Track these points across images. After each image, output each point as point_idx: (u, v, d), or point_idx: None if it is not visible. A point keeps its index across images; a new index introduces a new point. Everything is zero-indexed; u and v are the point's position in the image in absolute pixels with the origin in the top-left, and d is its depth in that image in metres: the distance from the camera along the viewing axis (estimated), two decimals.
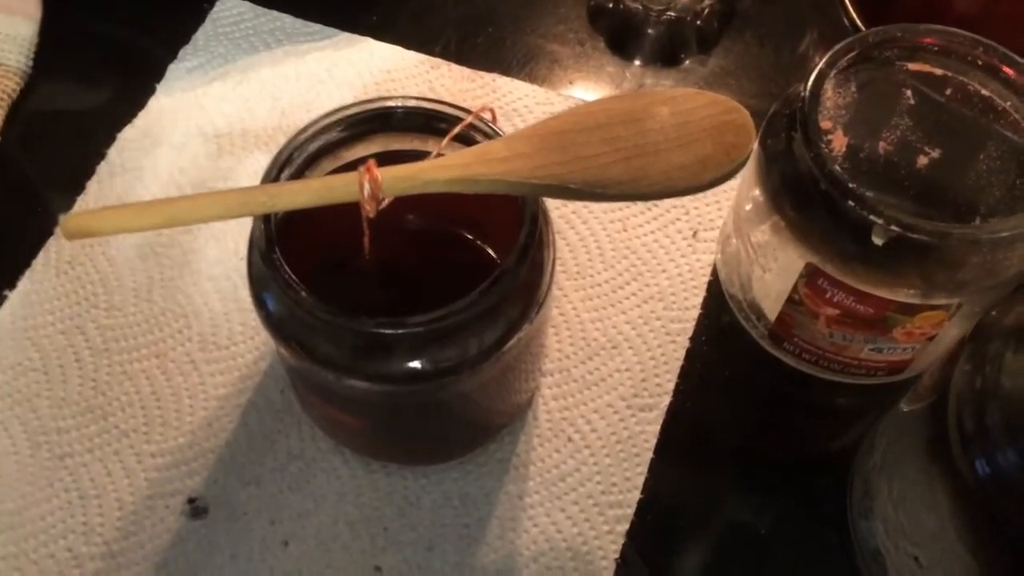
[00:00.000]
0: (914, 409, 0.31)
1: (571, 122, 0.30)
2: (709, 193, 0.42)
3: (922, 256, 0.30)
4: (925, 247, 0.30)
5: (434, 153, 0.31)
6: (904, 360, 0.35)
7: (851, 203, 0.30)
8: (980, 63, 0.33)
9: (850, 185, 0.30)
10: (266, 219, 0.29)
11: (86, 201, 0.41)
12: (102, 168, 0.42)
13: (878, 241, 0.30)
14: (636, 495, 0.35)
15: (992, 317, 0.27)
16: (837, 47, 0.33)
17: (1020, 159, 0.32)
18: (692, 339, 0.39)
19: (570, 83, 0.46)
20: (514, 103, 0.44)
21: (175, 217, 0.27)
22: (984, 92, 0.33)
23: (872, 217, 0.30)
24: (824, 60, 0.32)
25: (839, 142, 0.34)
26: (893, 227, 0.30)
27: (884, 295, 0.31)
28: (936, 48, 0.34)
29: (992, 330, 0.26)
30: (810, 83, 0.32)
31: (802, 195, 0.32)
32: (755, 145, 0.34)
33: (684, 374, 0.38)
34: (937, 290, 0.31)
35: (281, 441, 0.36)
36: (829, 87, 0.34)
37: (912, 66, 0.34)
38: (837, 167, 0.31)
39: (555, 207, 0.41)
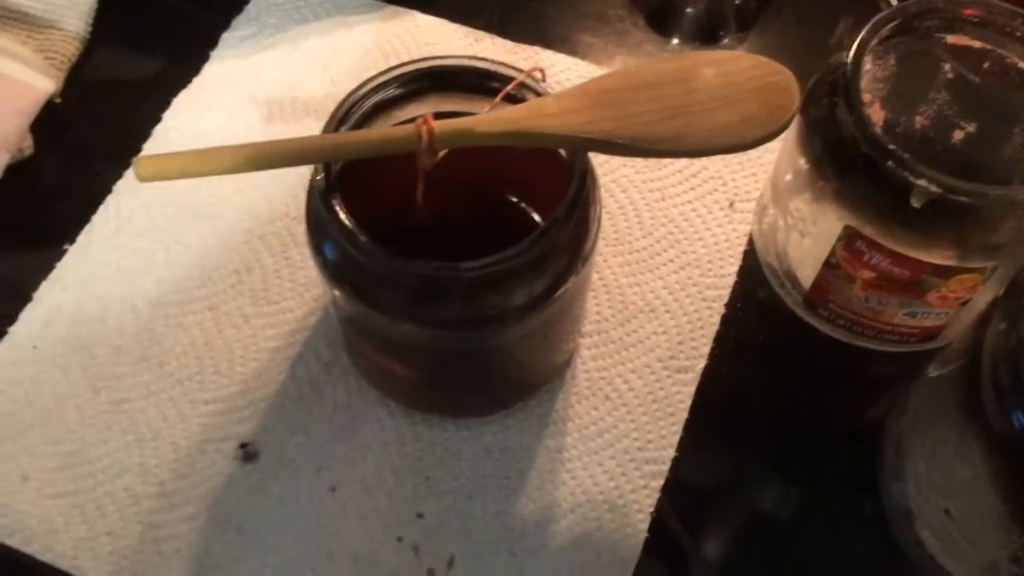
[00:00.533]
0: (944, 373, 0.32)
1: (619, 81, 0.31)
2: (746, 164, 0.43)
3: (959, 218, 0.31)
4: (962, 209, 0.31)
5: (487, 109, 0.32)
6: (937, 326, 0.36)
7: (891, 164, 0.31)
8: (1019, 34, 0.34)
9: (891, 147, 0.31)
10: (327, 167, 0.30)
11: None
12: (157, 131, 0.43)
13: (917, 203, 0.31)
14: (671, 452, 0.36)
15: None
16: (878, 16, 0.34)
17: None
18: (727, 305, 0.39)
19: (609, 59, 0.47)
20: (556, 75, 0.45)
21: (242, 162, 0.29)
22: (1021, 65, 0.34)
23: (912, 178, 0.31)
24: (866, 29, 0.33)
25: (876, 115, 0.35)
26: (932, 187, 0.30)
27: (921, 257, 0.32)
28: (976, 20, 0.34)
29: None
30: (852, 51, 0.33)
31: (844, 159, 0.32)
32: (796, 111, 0.35)
33: (719, 339, 0.39)
34: (973, 253, 0.32)
35: (328, 392, 0.37)
36: (868, 59, 0.34)
37: (951, 38, 0.35)
38: (879, 130, 0.31)
39: (598, 174, 0.42)
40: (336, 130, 0.31)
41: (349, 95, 0.32)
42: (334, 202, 0.29)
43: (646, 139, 0.30)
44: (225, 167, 0.29)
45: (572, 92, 0.30)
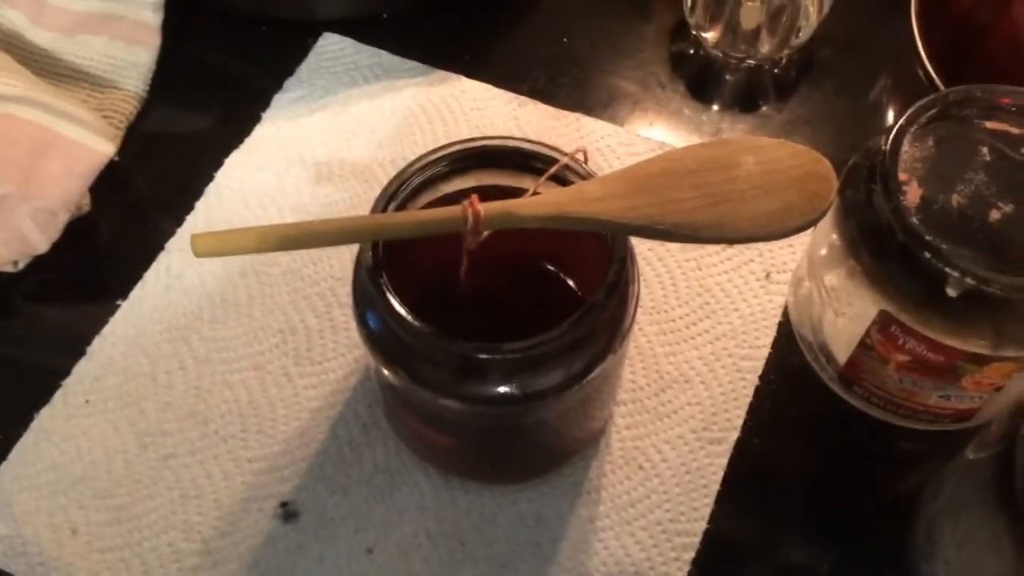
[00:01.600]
0: (981, 457, 0.32)
1: (662, 167, 0.31)
2: None
3: (994, 309, 0.31)
4: (998, 300, 0.31)
5: (530, 191, 0.33)
6: (972, 408, 0.36)
7: (927, 255, 0.31)
8: None
9: (927, 237, 0.31)
10: (374, 245, 0.31)
11: (195, 219, 0.44)
12: (210, 189, 0.45)
13: (952, 293, 0.31)
14: (702, 525, 0.37)
15: None
16: (918, 104, 0.34)
17: None
18: (762, 377, 0.40)
19: (650, 124, 0.48)
20: (596, 142, 0.46)
21: (292, 241, 0.30)
22: None
23: (947, 269, 0.31)
24: (904, 117, 0.34)
25: (914, 193, 0.35)
26: (968, 279, 0.31)
27: (956, 345, 0.32)
28: (1014, 108, 0.35)
29: None
30: (890, 139, 0.33)
31: (879, 244, 0.33)
32: (833, 200, 0.35)
33: (753, 411, 0.39)
34: (1008, 343, 0.32)
35: (368, 454, 0.38)
36: (907, 141, 0.35)
37: (989, 124, 0.35)
38: (914, 219, 0.32)
39: (634, 245, 0.43)
40: (386, 206, 0.32)
41: (397, 175, 0.33)
42: (381, 281, 0.30)
43: (687, 226, 0.30)
44: (277, 245, 0.30)
45: (615, 177, 0.31)
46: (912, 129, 0.34)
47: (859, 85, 0.49)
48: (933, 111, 0.34)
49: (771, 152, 0.32)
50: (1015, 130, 0.35)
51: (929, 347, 0.33)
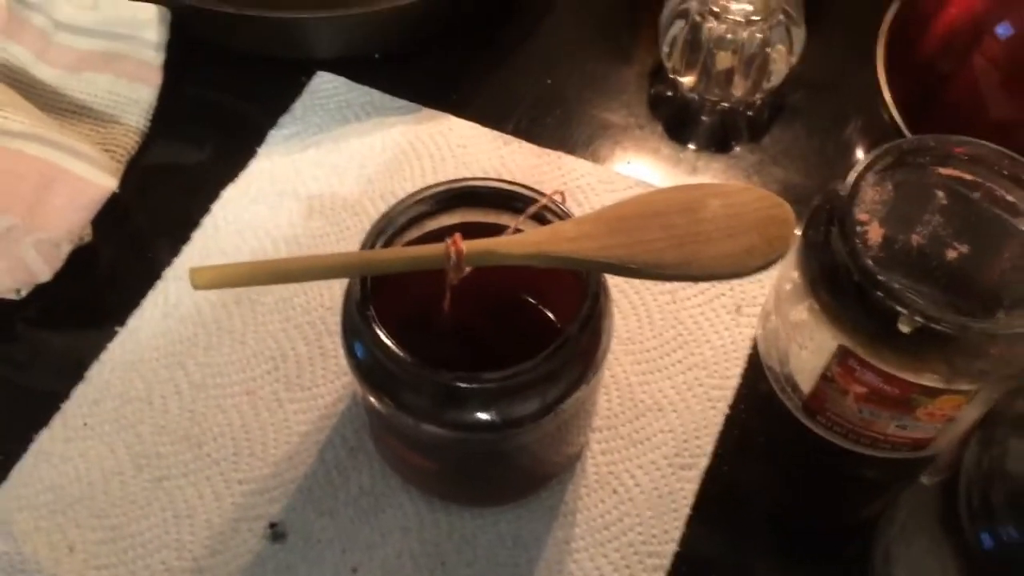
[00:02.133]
0: (930, 484, 0.34)
1: (634, 209, 0.34)
2: None
3: (945, 345, 0.33)
4: (948, 337, 0.33)
5: (511, 229, 0.35)
6: (928, 438, 0.38)
7: (880, 294, 0.33)
8: (1006, 173, 0.37)
9: (880, 278, 0.34)
10: (363, 280, 0.33)
11: (192, 250, 0.46)
12: (207, 221, 0.47)
13: (905, 330, 0.33)
14: (673, 547, 0.38)
15: (1001, 404, 0.30)
16: (875, 153, 0.36)
17: None
18: (731, 406, 0.42)
19: (629, 163, 0.50)
20: (577, 180, 0.48)
21: (285, 275, 0.32)
22: (1009, 198, 0.37)
23: (899, 307, 0.33)
24: (863, 164, 0.36)
25: (875, 233, 0.38)
26: (918, 318, 0.33)
27: (909, 378, 0.34)
28: (966, 157, 0.37)
29: (1000, 416, 0.30)
30: (849, 185, 0.36)
31: (837, 283, 0.35)
32: (798, 234, 0.38)
33: (722, 438, 0.41)
34: (958, 376, 0.34)
35: (354, 477, 0.40)
36: (867, 185, 0.37)
37: (944, 171, 0.38)
38: (869, 260, 0.34)
39: (611, 278, 0.45)
40: (375, 242, 0.34)
41: (385, 212, 0.35)
42: (368, 313, 0.32)
43: (655, 265, 0.32)
44: (272, 279, 0.32)
45: (590, 218, 0.33)
46: (869, 176, 0.36)
47: (829, 128, 0.51)
48: (889, 159, 0.37)
49: (736, 197, 0.34)
50: (968, 176, 0.37)
51: (884, 380, 0.35)
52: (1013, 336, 0.33)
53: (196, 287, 0.31)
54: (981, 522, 0.28)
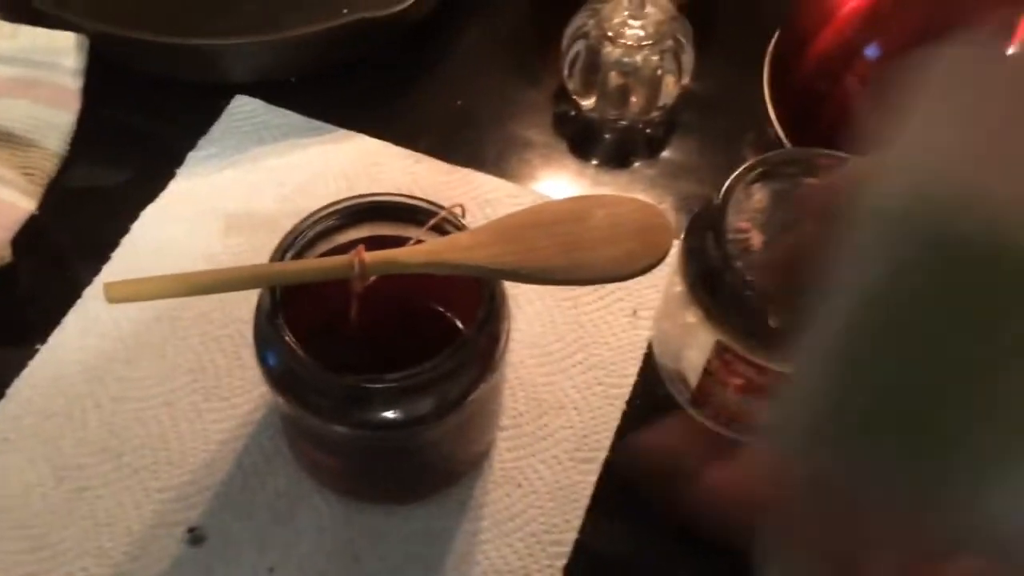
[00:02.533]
0: None
1: (525, 219, 0.36)
2: (648, 277, 0.48)
3: None
4: None
5: (412, 240, 0.38)
6: None
7: (750, 293, 0.37)
8: None
9: (748, 279, 0.37)
10: (272, 290, 0.35)
11: (111, 268, 0.47)
12: (126, 241, 0.48)
13: (774, 324, 0.37)
14: (573, 535, 0.41)
15: None
16: (744, 165, 0.40)
17: None
18: (628, 403, 0.45)
19: (536, 179, 0.53)
20: (486, 195, 0.51)
21: (198, 287, 0.34)
22: None
23: (767, 305, 0.36)
24: (733, 176, 0.40)
25: (756, 239, 0.41)
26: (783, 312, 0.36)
27: (780, 369, 0.38)
28: (828, 167, 0.41)
29: None
30: (722, 195, 0.39)
31: (713, 285, 0.38)
32: (680, 241, 0.41)
33: (620, 433, 0.44)
34: None
35: (270, 481, 0.42)
36: (744, 195, 0.41)
37: (810, 180, 0.41)
38: (739, 263, 0.37)
39: (517, 284, 0.47)
40: (283, 255, 0.36)
41: (295, 226, 0.37)
42: (277, 322, 0.34)
43: (545, 270, 0.35)
44: (183, 292, 0.34)
45: (485, 228, 0.36)
46: (740, 186, 0.40)
47: (721, 143, 0.55)
48: (759, 170, 0.40)
49: (618, 207, 0.37)
50: None
51: (758, 371, 0.38)
52: None
53: (110, 301, 0.33)
54: None
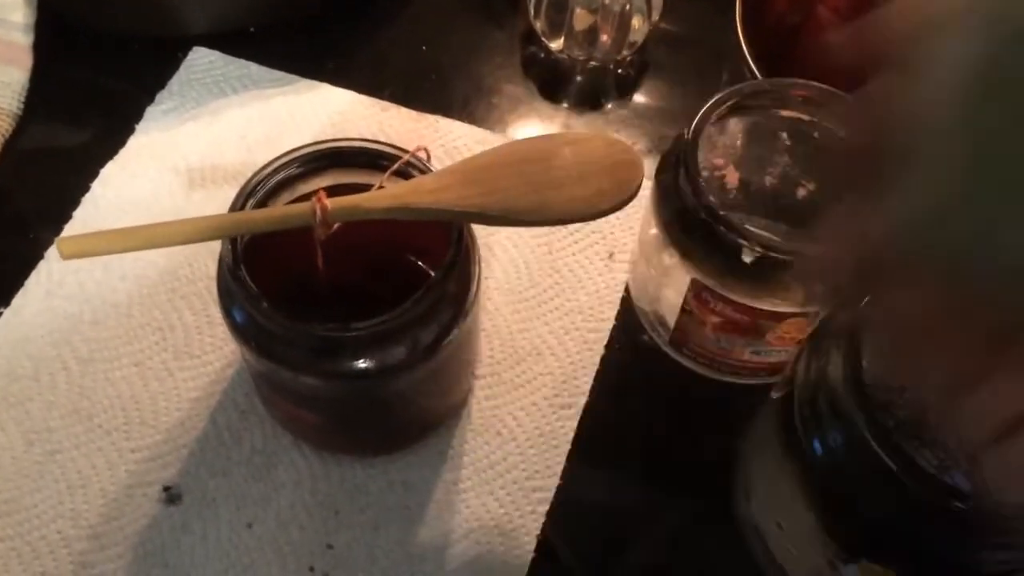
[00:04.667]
0: (775, 398, 0.37)
1: (490, 160, 0.35)
2: (623, 219, 0.48)
3: (782, 272, 0.36)
4: (785, 264, 0.36)
5: (376, 185, 0.37)
6: (782, 362, 0.41)
7: (723, 229, 0.36)
8: (837, 111, 0.39)
9: (721, 213, 0.36)
10: (233, 241, 0.34)
11: (73, 228, 0.46)
12: (87, 199, 0.47)
13: (747, 260, 0.36)
14: (555, 481, 0.41)
15: (825, 320, 0.33)
16: (715, 98, 0.39)
17: None
18: (607, 347, 0.44)
19: (505, 123, 0.52)
20: (455, 141, 0.50)
21: (155, 240, 0.33)
22: (843, 135, 0.40)
23: (741, 241, 0.36)
24: (704, 110, 0.39)
25: (732, 177, 0.40)
26: (757, 248, 0.36)
27: (754, 305, 0.37)
28: (801, 98, 0.40)
29: (824, 330, 0.32)
30: (691, 130, 0.38)
31: (687, 223, 0.38)
32: (651, 181, 0.40)
33: (599, 377, 0.44)
34: (794, 299, 0.37)
35: (246, 437, 0.41)
36: (717, 130, 0.40)
37: (784, 112, 0.40)
38: (712, 199, 0.37)
39: (490, 232, 0.47)
40: (243, 205, 0.35)
41: (254, 175, 0.36)
42: (239, 274, 0.33)
43: (512, 211, 0.34)
44: (140, 245, 0.33)
45: (449, 170, 0.35)
46: (713, 120, 0.39)
47: (693, 82, 0.54)
48: (730, 103, 0.39)
49: (586, 145, 0.36)
50: (805, 117, 0.40)
51: (734, 308, 0.38)
52: None
53: (64, 257, 0.32)
54: (811, 429, 0.31)
